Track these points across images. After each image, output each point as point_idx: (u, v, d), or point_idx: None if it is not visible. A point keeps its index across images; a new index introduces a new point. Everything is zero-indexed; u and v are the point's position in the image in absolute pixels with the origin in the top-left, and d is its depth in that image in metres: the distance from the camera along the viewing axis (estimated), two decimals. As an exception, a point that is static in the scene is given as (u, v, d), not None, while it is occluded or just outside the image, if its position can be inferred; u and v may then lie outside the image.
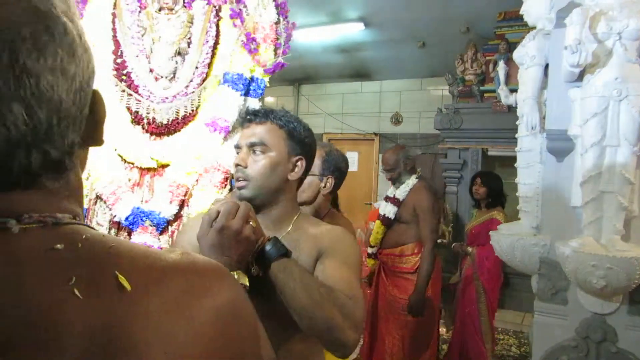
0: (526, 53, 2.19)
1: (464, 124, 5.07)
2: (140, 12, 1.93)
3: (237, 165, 1.19)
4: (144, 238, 1.79)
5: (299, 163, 1.23)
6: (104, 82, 1.86)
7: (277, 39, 2.08)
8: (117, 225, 1.86)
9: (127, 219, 1.80)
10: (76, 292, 0.43)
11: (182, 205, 1.92)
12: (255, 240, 1.04)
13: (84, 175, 1.29)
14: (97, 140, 0.53)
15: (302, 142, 1.23)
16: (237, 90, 2.05)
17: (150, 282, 0.47)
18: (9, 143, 0.43)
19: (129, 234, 1.82)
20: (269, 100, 7.94)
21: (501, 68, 2.55)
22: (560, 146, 2.03)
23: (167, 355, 0.44)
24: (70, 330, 0.42)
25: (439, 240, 3.29)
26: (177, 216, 1.92)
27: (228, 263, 0.98)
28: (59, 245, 0.45)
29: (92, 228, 0.50)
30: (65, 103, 0.46)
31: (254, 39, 2.03)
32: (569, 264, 1.87)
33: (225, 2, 2.02)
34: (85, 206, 1.83)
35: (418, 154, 6.46)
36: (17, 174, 0.45)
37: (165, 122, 1.99)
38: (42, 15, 0.44)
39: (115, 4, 1.89)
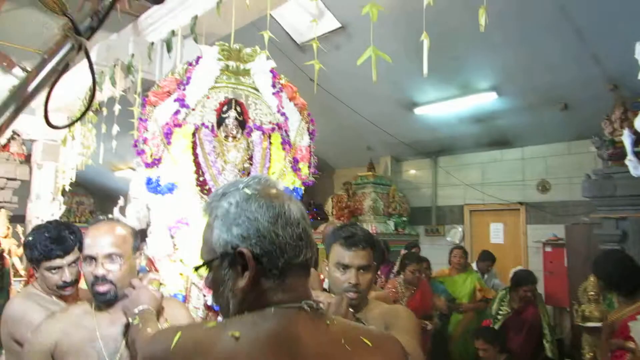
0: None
1: (618, 190, 4.50)
2: (212, 140, 2.33)
3: (355, 284, 1.58)
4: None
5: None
6: (192, 197, 2.26)
7: (310, 158, 2.58)
8: (210, 308, 2.13)
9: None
10: (347, 347, 0.85)
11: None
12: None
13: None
14: None
15: (379, 254, 1.70)
16: None
17: (378, 343, 0.91)
18: (313, 246, 0.92)
19: (217, 315, 2.08)
20: (411, 172, 8.02)
21: (626, 136, 2.31)
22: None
23: None
24: None
25: None
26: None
27: None
28: (328, 321, 0.90)
29: None
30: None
31: (298, 161, 2.52)
32: None
33: (273, 131, 2.46)
34: (183, 292, 2.14)
35: (570, 225, 5.85)
36: (309, 267, 0.93)
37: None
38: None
39: (194, 134, 2.32)
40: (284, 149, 2.47)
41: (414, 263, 4.21)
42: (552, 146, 6.38)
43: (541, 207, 6.44)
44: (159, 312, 1.59)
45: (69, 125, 3.60)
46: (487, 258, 5.23)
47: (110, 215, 2.11)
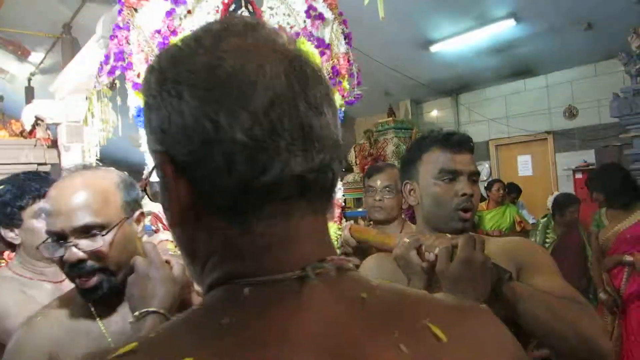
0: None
1: (648, 106, 4.35)
2: None
3: (468, 195, 1.15)
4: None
5: None
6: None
7: (351, 69, 2.03)
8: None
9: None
10: (402, 347, 0.42)
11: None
12: (492, 269, 1.00)
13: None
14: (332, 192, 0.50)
15: None
16: None
17: (458, 331, 0.46)
18: (334, 145, 0.45)
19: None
20: (432, 114, 7.89)
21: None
22: None
23: None
24: None
25: None
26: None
27: (475, 297, 0.92)
28: (364, 295, 0.44)
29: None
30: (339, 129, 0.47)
31: (338, 72, 1.96)
32: None
33: (298, 37, 1.85)
34: None
35: (600, 148, 5.71)
36: (327, 186, 0.46)
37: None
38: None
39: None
40: (321, 54, 1.91)
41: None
42: (577, 70, 6.15)
43: (569, 134, 6.28)
44: (186, 291, 1.06)
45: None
46: (513, 190, 5.20)
47: (83, 163, 1.63)
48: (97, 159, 4.20)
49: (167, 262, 1.05)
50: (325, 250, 0.45)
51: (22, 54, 7.56)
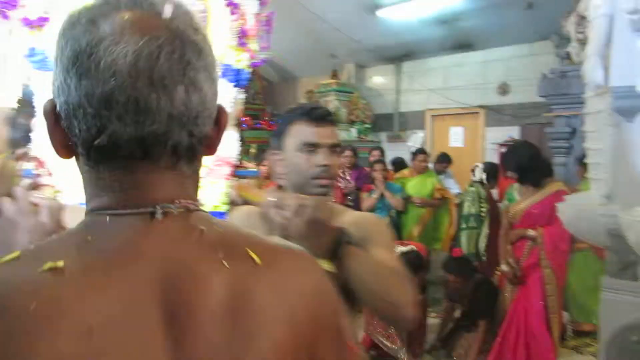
0: (591, 3, 1.97)
1: (571, 88, 4.59)
2: None
3: (325, 165, 1.25)
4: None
5: None
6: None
7: (259, 31, 2.06)
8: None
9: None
10: (224, 263, 0.54)
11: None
12: (334, 231, 1.14)
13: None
14: (213, 148, 0.62)
15: None
16: (231, 82, 2.05)
17: (272, 259, 0.58)
18: (169, 118, 0.52)
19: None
20: (374, 79, 7.94)
21: (571, 22, 2.31)
22: (628, 105, 1.81)
23: (281, 318, 0.55)
24: (216, 295, 0.53)
25: None
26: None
27: (314, 251, 0.99)
28: (203, 227, 0.56)
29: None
30: (208, 98, 0.56)
31: (245, 33, 2.00)
32: (632, 234, 1.69)
33: None
34: None
35: (524, 125, 6.02)
36: (169, 151, 0.54)
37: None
38: (201, 31, 0.56)
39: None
40: (232, 13, 1.93)
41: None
42: (514, 48, 6.36)
43: (500, 110, 6.55)
44: (58, 229, 0.98)
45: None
46: (444, 160, 5.39)
47: None
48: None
49: (37, 206, 0.96)
50: (180, 196, 0.57)
51: None
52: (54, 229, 0.96)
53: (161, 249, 0.53)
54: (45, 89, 1.68)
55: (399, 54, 7.27)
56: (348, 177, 5.16)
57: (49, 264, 0.49)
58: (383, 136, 7.76)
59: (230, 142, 2.14)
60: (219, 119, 0.60)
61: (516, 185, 3.33)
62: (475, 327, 3.55)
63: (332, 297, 0.63)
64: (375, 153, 5.67)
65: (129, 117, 0.51)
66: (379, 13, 6.11)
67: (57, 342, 0.47)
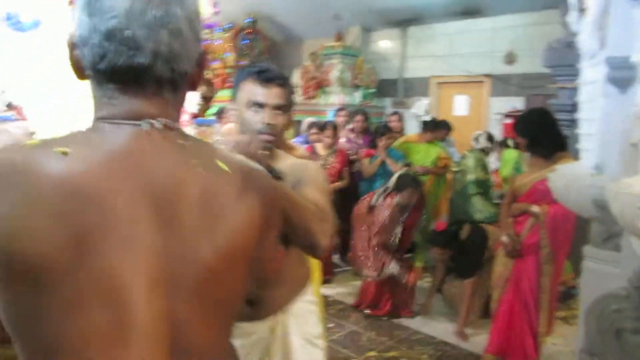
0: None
1: (577, 59, 4.52)
2: None
3: (269, 124, 1.41)
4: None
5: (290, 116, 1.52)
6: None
7: None
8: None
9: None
10: (200, 169, 0.70)
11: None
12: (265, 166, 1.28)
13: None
14: (195, 86, 0.78)
15: (292, 98, 1.52)
16: None
17: (236, 168, 0.75)
18: (154, 56, 0.68)
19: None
20: (380, 43, 7.81)
21: (574, -10, 2.26)
22: (623, 75, 1.80)
23: (240, 207, 0.73)
24: (192, 191, 0.69)
25: None
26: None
27: None
28: (182, 141, 0.72)
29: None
30: (189, 42, 0.71)
31: None
32: (616, 205, 1.70)
33: None
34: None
35: (529, 96, 5.95)
36: (154, 80, 0.69)
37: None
38: None
39: None
40: None
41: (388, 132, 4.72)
42: (522, 15, 6.22)
43: (506, 79, 6.46)
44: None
45: None
46: (444, 127, 5.35)
47: None
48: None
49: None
50: (161, 116, 0.72)
51: None
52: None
53: (148, 154, 0.68)
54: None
55: (405, 17, 7.12)
56: (361, 142, 5.16)
57: (60, 149, 0.63)
58: (387, 102, 7.70)
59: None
60: (201, 61, 0.76)
61: (526, 155, 3.16)
62: (466, 273, 3.64)
63: (278, 200, 0.86)
64: (394, 118, 5.65)
65: (122, 50, 0.66)
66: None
67: (66, 209, 0.60)
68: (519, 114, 4.24)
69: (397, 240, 3.80)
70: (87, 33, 0.66)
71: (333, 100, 6.90)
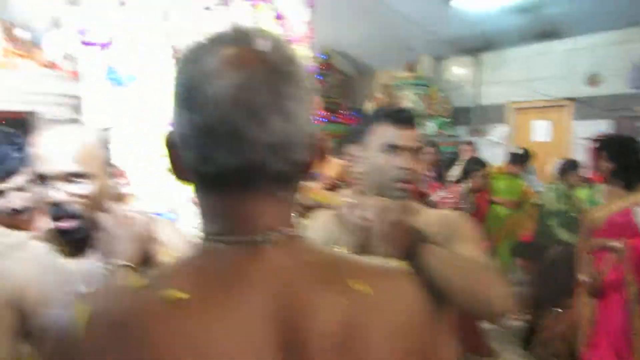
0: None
1: (667, 79, 4.18)
2: None
3: (406, 169, 1.27)
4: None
5: None
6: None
7: (311, 39, 2.04)
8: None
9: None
10: (333, 294, 0.57)
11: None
12: (412, 231, 1.16)
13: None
14: (308, 174, 0.63)
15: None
16: None
17: (376, 286, 0.60)
18: (266, 147, 0.54)
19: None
20: (453, 72, 7.72)
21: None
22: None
23: (389, 343, 0.58)
24: (327, 322, 0.55)
25: None
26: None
27: (397, 253, 1.11)
28: (306, 257, 0.60)
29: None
30: (303, 126, 0.57)
31: (291, 42, 1.94)
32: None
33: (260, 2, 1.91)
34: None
35: (619, 118, 5.54)
36: (268, 178, 0.56)
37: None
38: (296, 61, 0.58)
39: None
40: (281, 25, 1.95)
41: (482, 168, 4.21)
42: (604, 35, 5.87)
43: (590, 102, 6.09)
44: (149, 244, 1.21)
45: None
46: (519, 157, 5.04)
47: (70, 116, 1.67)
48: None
49: (130, 218, 1.18)
50: (281, 223, 0.59)
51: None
52: (147, 236, 1.18)
53: (272, 279, 0.56)
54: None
55: (478, 45, 7.00)
56: (433, 174, 5.08)
57: (174, 293, 0.53)
58: (461, 130, 7.53)
59: None
60: (316, 145, 0.61)
61: (601, 186, 2.97)
62: (553, 299, 3.31)
63: (428, 314, 0.66)
64: (467, 147, 5.53)
65: (230, 147, 0.54)
66: (453, 3, 5.94)
67: None
68: (604, 138, 3.97)
69: None
70: (186, 131, 0.56)
71: (406, 132, 6.87)
